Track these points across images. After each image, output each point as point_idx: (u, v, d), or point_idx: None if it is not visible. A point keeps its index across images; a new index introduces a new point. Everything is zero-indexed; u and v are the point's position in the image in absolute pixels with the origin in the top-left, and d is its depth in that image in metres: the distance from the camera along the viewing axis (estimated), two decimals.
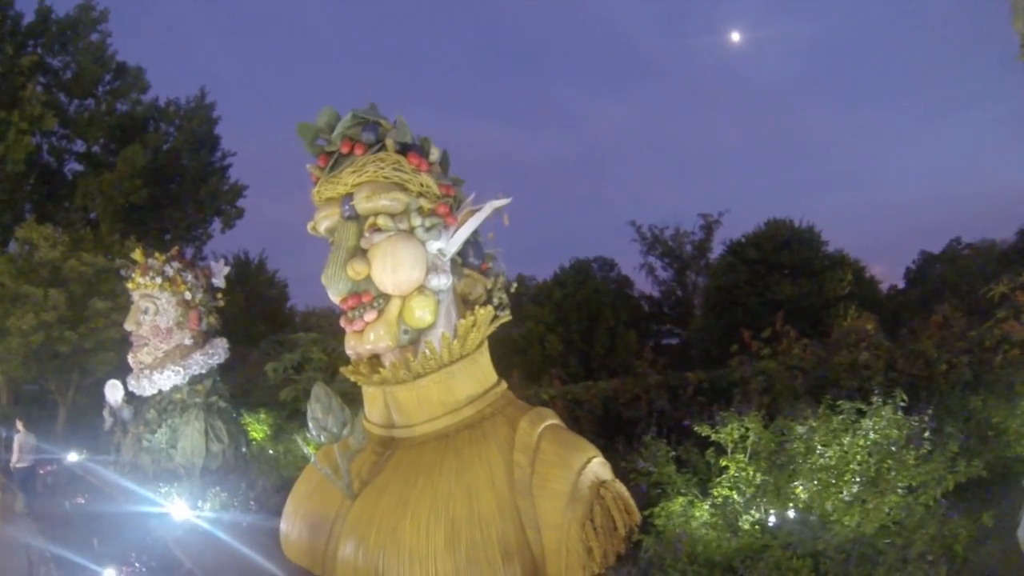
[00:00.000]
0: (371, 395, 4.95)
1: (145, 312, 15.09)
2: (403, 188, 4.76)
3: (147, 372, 14.99)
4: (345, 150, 4.83)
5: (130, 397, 15.49)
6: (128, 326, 15.11)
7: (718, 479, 6.55)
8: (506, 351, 25.94)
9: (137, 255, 15.38)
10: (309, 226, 5.14)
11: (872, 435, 6.19)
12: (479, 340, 4.97)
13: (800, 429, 6.50)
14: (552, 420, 5.01)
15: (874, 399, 6.55)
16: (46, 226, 21.30)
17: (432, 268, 4.87)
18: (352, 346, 4.74)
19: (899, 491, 5.88)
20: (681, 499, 6.29)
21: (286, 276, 32.22)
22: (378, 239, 4.59)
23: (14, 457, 19.75)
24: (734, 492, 6.32)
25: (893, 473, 5.94)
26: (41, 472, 16.00)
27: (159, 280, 15.14)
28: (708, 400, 11.56)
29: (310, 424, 5.08)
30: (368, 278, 4.62)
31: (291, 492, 5.82)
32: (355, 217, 4.69)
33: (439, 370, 4.76)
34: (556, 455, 4.49)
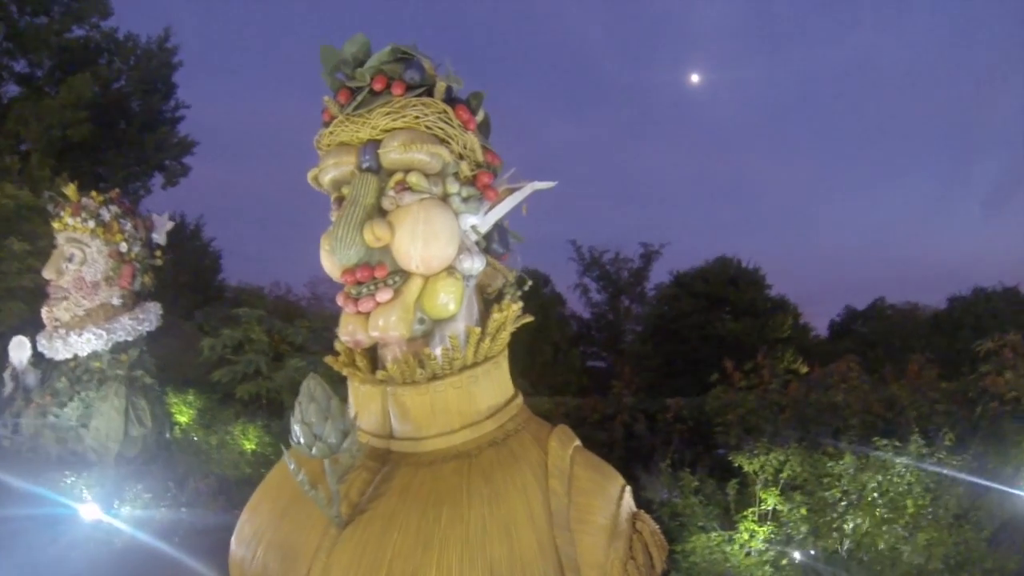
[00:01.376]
0: (365, 396, 3.47)
1: (70, 259, 12.13)
2: (445, 145, 3.29)
3: (62, 332, 12.04)
4: (379, 87, 3.30)
5: (37, 359, 12.46)
6: (47, 274, 12.14)
7: (743, 513, 6.42)
8: None
9: (70, 191, 12.39)
10: (310, 175, 3.57)
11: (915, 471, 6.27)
12: (506, 341, 3.60)
13: (845, 462, 6.44)
14: (577, 440, 3.66)
15: (913, 437, 6.67)
16: None
17: (463, 247, 3.36)
18: (350, 331, 3.25)
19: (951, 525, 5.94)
20: (713, 534, 6.11)
21: (220, 247, 28.72)
22: (408, 200, 3.18)
23: None
24: (769, 527, 6.16)
25: (943, 509, 6.03)
26: None
27: (92, 224, 12.20)
28: (688, 428, 11.78)
29: (296, 430, 3.00)
30: (386, 248, 3.17)
31: (248, 506, 3.68)
32: (376, 170, 3.23)
33: (460, 372, 3.31)
34: (593, 483, 3.33)
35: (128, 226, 12.62)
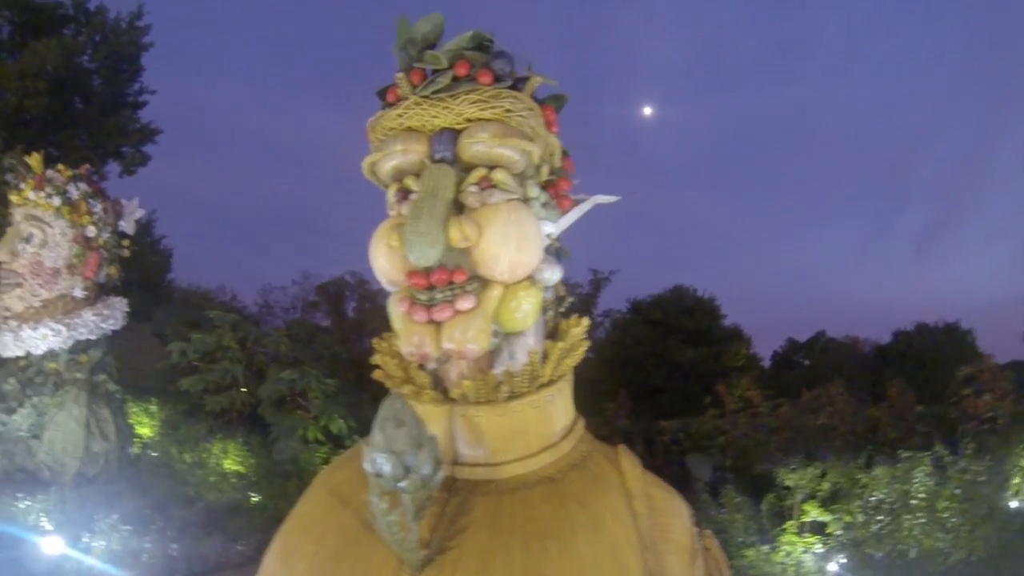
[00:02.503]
0: (427, 417, 2.87)
1: (27, 240, 10.12)
2: (533, 144, 2.91)
3: (13, 324, 10.01)
4: (462, 72, 2.86)
5: None
6: (0, 255, 10.03)
7: (781, 526, 6.69)
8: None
9: (34, 160, 10.35)
10: (366, 162, 3.07)
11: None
12: (580, 357, 3.18)
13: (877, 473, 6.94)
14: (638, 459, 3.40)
15: (937, 446, 7.57)
16: None
17: (545, 256, 3.01)
18: (416, 343, 2.76)
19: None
20: (764, 548, 6.34)
21: (172, 246, 26.39)
22: (497, 199, 2.79)
23: None
24: (814, 537, 6.37)
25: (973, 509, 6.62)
26: None
27: (57, 201, 10.23)
28: (681, 450, 11.85)
29: (380, 460, 2.62)
30: (463, 250, 2.73)
31: (278, 552, 3.14)
32: (452, 162, 2.81)
33: (539, 391, 2.94)
34: (668, 502, 3.05)
35: (98, 208, 10.65)
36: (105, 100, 22.53)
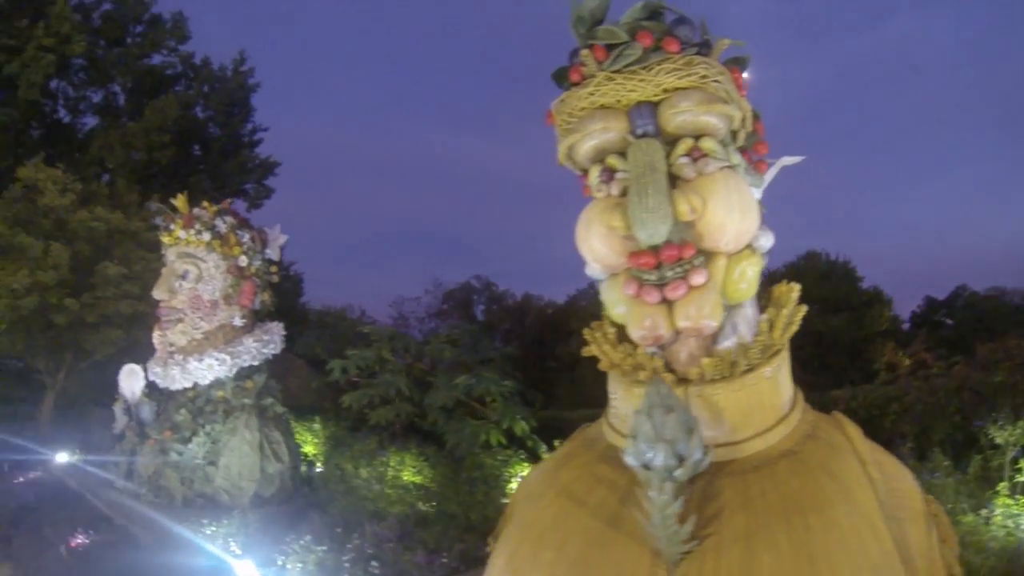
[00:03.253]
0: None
1: (183, 277, 10.32)
2: (734, 109, 2.70)
3: (179, 358, 10.23)
4: (646, 42, 2.68)
5: (150, 390, 10.63)
6: (158, 294, 10.34)
7: (994, 489, 6.24)
8: (552, 371, 21.88)
9: (180, 202, 10.58)
10: (562, 147, 2.84)
11: None
12: (799, 323, 2.97)
13: None
14: None
15: None
16: (56, 167, 16.19)
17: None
18: (649, 325, 2.54)
19: None
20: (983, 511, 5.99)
21: (302, 270, 26.79)
22: (712, 168, 2.56)
23: None
24: None
25: None
26: (16, 482, 10.70)
27: (207, 236, 10.38)
28: (859, 420, 10.93)
29: (650, 451, 2.42)
30: (685, 224, 2.51)
31: (513, 560, 2.83)
32: (655, 135, 2.60)
33: (771, 360, 2.74)
34: (897, 468, 2.84)
35: (246, 238, 10.79)
36: (223, 144, 23.32)
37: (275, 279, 11.13)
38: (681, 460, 2.39)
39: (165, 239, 10.60)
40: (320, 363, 14.96)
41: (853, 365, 21.80)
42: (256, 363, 10.42)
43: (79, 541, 8.31)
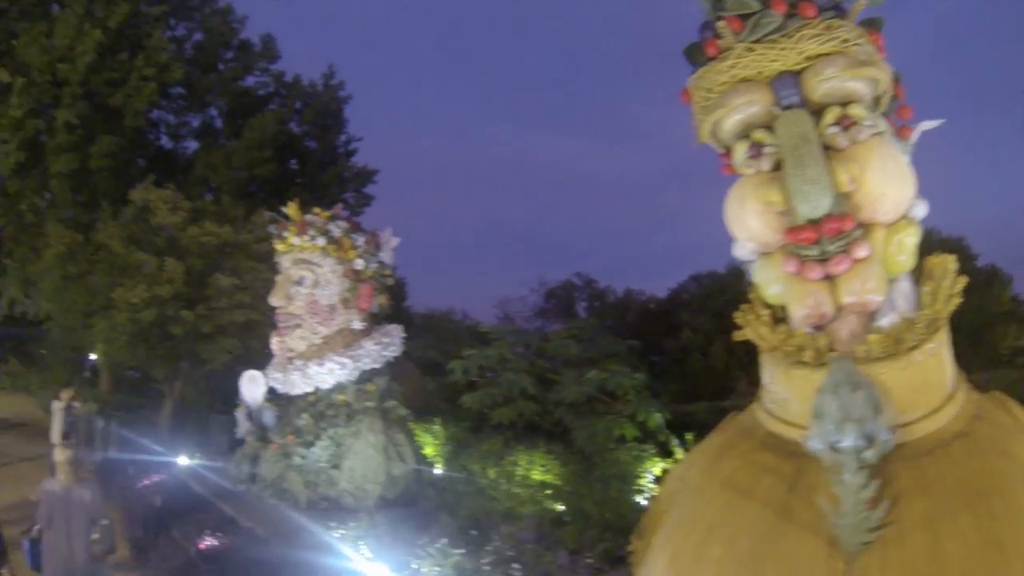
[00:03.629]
0: (811, 383, 2.59)
1: (299, 283, 10.28)
2: (879, 72, 2.64)
3: (299, 363, 10.18)
4: (781, 9, 2.59)
5: (270, 395, 10.64)
6: (275, 301, 10.32)
7: None
8: (657, 366, 21.23)
9: (291, 210, 10.56)
10: (706, 127, 2.77)
11: None
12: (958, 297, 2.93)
13: None
14: None
15: None
16: (167, 187, 16.66)
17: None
18: (813, 303, 2.55)
19: None
20: None
21: (404, 275, 26.81)
22: (865, 136, 2.54)
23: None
24: None
25: None
26: (142, 485, 10.87)
27: (322, 241, 10.33)
28: None
29: (837, 432, 2.30)
30: (845, 195, 2.48)
31: (676, 558, 2.78)
32: (801, 105, 2.56)
33: (933, 336, 2.67)
34: None
35: (360, 241, 10.71)
36: (319, 156, 23.68)
37: (390, 282, 11.03)
38: (870, 441, 2.28)
39: (279, 246, 10.62)
40: (431, 366, 14.88)
41: (974, 351, 20.55)
42: (377, 366, 10.31)
43: (208, 543, 8.31)
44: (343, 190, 23.34)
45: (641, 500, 9.01)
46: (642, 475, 9.24)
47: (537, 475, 9.42)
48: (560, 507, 8.68)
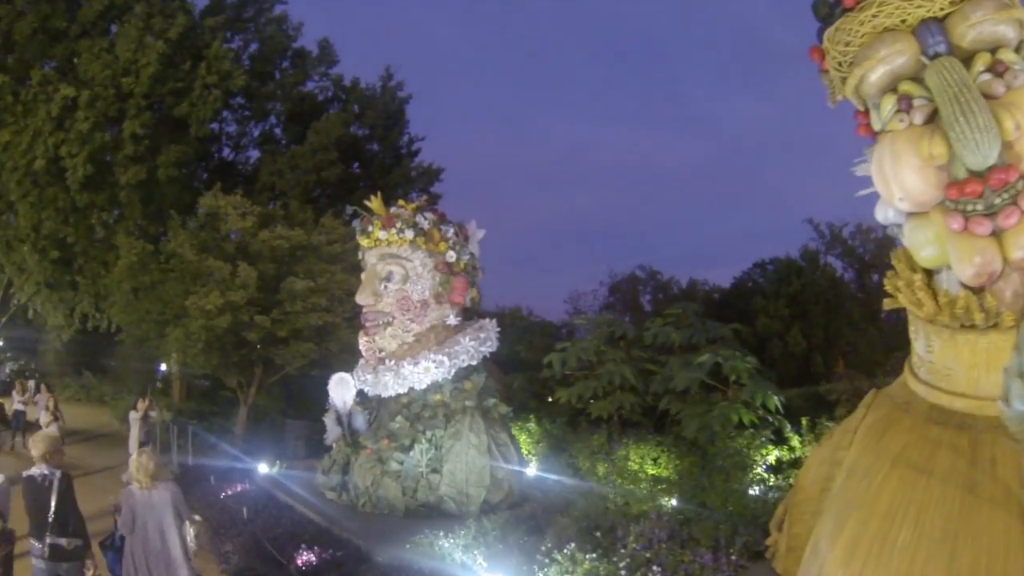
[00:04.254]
0: (993, 351, 2.56)
1: (388, 279, 9.68)
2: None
3: (391, 363, 9.56)
4: None
5: (359, 398, 10.02)
6: (362, 299, 9.75)
7: None
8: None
9: (375, 204, 9.96)
10: (850, 81, 2.69)
11: None
12: None
13: None
14: None
15: None
16: (235, 193, 16.27)
17: None
18: (981, 262, 2.43)
19: None
20: None
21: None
22: (1021, 81, 2.47)
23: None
24: None
25: None
26: (224, 495, 10.28)
27: (410, 234, 9.72)
28: None
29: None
30: (1006, 144, 2.37)
31: (853, 545, 2.53)
32: (950, 52, 2.52)
33: None
34: None
35: (450, 233, 10.08)
36: (383, 157, 23.24)
37: (480, 275, 10.36)
38: None
39: (363, 242, 10.03)
40: (510, 364, 14.17)
41: None
42: (474, 363, 9.66)
43: (306, 558, 7.60)
44: (409, 190, 22.76)
45: (755, 491, 8.15)
46: (756, 463, 8.41)
47: (650, 469, 8.64)
48: (673, 503, 7.87)
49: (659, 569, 5.72)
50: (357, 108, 23.20)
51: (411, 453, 8.95)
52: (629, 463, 8.63)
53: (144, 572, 5.60)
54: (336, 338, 15.25)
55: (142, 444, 12.50)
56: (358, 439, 9.64)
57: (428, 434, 9.00)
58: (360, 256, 10.41)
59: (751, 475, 8.39)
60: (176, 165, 18.20)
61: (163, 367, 22.85)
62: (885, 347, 18.92)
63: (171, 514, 5.68)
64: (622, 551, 6.02)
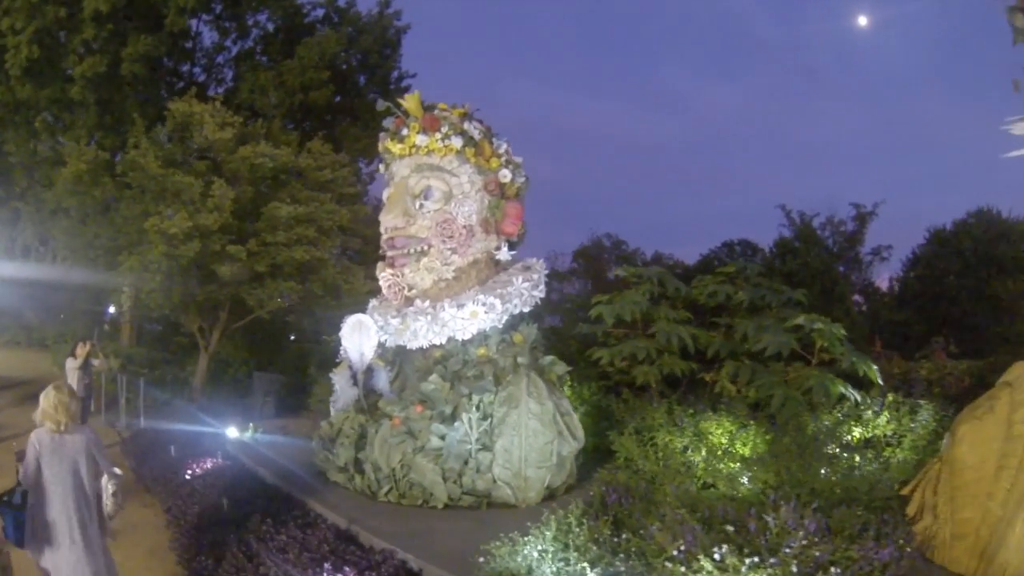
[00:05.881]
0: None
1: (425, 196, 7.39)
2: None
3: (425, 305, 7.25)
4: None
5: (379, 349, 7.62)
6: (391, 219, 7.46)
7: None
8: None
9: (411, 102, 7.56)
10: None
11: None
12: None
13: None
14: None
15: None
16: (214, 100, 13.52)
17: None
18: None
19: None
20: None
21: None
22: None
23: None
24: None
25: None
26: (191, 474, 7.72)
27: (458, 141, 7.39)
28: None
29: None
30: None
31: None
32: None
33: None
34: None
35: (503, 148, 7.77)
36: (370, 89, 20.28)
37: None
38: None
39: (394, 148, 7.62)
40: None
41: None
42: (527, 309, 7.41)
43: None
44: None
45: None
46: (841, 437, 7.03)
47: (741, 447, 6.78)
48: (778, 482, 6.00)
49: (838, 571, 4.16)
50: (351, 30, 20.17)
51: (456, 424, 6.67)
52: (711, 438, 6.68)
53: (51, 535, 4.10)
54: (321, 277, 12.87)
55: (82, 400, 9.78)
56: (377, 403, 7.28)
57: (474, 399, 6.73)
58: (383, 168, 8.08)
59: (843, 450, 6.66)
60: (144, 61, 15.13)
61: (112, 308, 19.93)
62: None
63: (86, 463, 4.19)
64: (786, 551, 4.20)
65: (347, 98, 19.74)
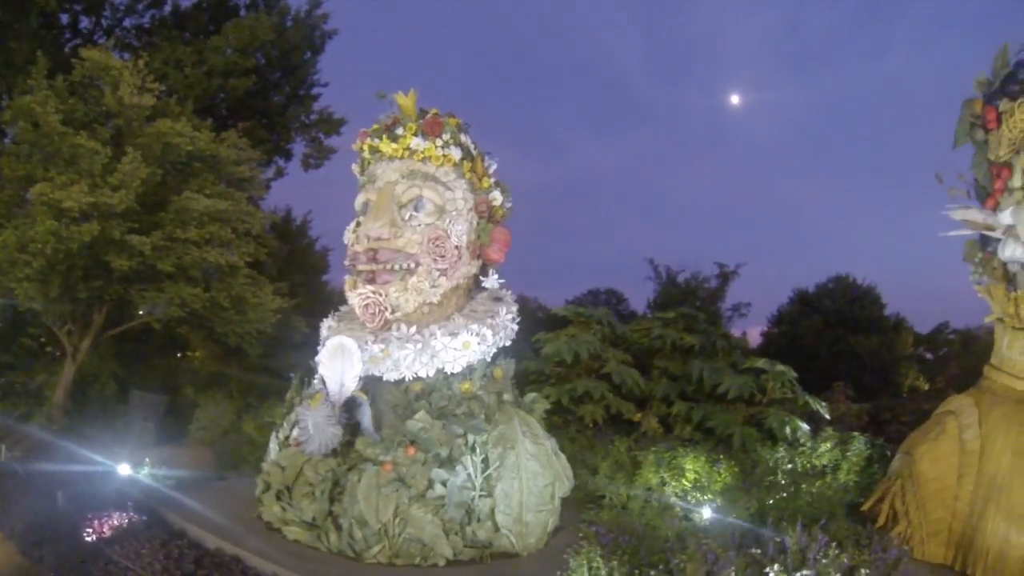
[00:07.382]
0: None
1: (415, 207, 6.53)
2: None
3: (409, 331, 6.42)
4: None
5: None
6: (376, 228, 6.63)
7: None
8: None
9: (406, 100, 6.74)
10: None
11: None
12: None
13: None
14: None
15: None
16: (138, 57, 11.86)
17: None
18: None
19: None
20: None
21: (330, 246, 22.35)
22: None
23: None
24: None
25: None
26: (91, 535, 5.81)
27: (458, 153, 6.68)
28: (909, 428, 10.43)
29: None
30: None
31: None
32: None
33: None
34: None
35: (493, 168, 7.14)
36: (285, 87, 18.88)
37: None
38: None
39: (384, 148, 6.73)
40: None
41: (886, 388, 23.22)
42: (508, 343, 6.73)
43: None
44: (303, 132, 18.70)
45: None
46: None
47: (718, 480, 7.16)
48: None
49: (867, 572, 4.81)
50: (277, 27, 18.67)
51: (457, 469, 5.81)
52: (687, 474, 7.04)
53: None
54: (228, 286, 11.47)
55: None
56: (364, 444, 6.15)
57: (469, 440, 5.93)
58: (357, 168, 7.19)
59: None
60: (35, 9, 13.16)
61: None
62: None
63: None
64: (824, 562, 4.67)
65: (260, 95, 18.22)
